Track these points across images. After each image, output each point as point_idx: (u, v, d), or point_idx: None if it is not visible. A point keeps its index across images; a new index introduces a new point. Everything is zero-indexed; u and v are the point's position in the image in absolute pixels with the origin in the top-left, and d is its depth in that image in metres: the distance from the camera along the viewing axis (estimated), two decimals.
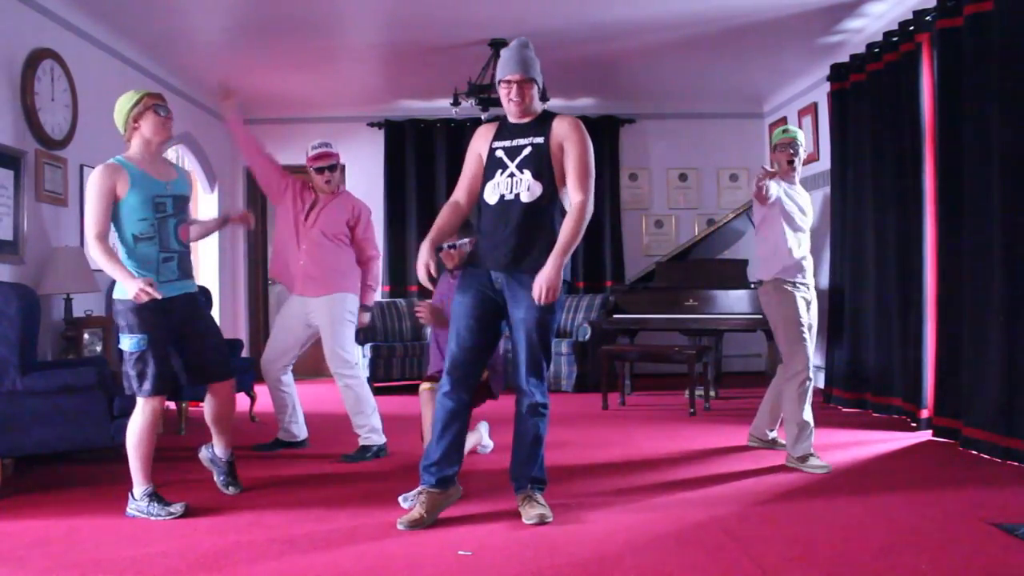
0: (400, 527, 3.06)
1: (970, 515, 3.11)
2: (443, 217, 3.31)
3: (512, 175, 3.16)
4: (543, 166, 3.15)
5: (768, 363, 6.28)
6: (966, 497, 3.39)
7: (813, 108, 7.01)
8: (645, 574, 2.56)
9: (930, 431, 4.78)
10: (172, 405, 5.18)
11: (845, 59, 6.03)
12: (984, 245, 4.23)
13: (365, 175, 8.12)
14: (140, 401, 3.31)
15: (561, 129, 3.18)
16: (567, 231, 3.11)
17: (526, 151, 3.17)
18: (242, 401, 5.72)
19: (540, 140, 3.17)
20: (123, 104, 3.38)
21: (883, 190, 5.42)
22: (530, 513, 3.11)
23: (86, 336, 4.91)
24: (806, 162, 7.20)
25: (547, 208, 3.16)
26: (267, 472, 4.08)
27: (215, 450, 3.69)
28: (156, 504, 3.28)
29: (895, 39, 5.26)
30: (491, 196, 3.20)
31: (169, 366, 3.37)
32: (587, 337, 6.99)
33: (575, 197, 3.14)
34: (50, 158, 4.93)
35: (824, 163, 6.71)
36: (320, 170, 4.47)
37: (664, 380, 7.47)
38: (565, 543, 2.86)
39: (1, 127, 4.51)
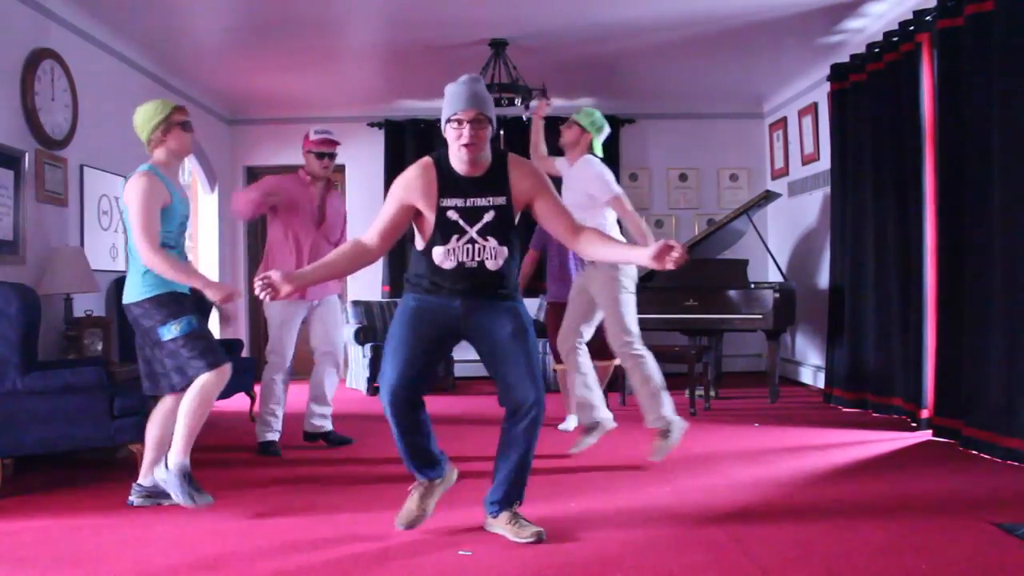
0: (399, 527, 3.03)
1: (970, 515, 3.11)
2: (331, 256, 2.91)
3: (472, 241, 2.80)
4: (509, 231, 2.85)
5: (768, 363, 6.28)
6: (966, 497, 3.39)
7: (813, 108, 7.01)
8: (645, 574, 2.57)
9: (930, 431, 4.77)
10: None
11: (845, 59, 6.03)
12: (984, 245, 4.23)
13: (365, 175, 8.13)
14: (207, 376, 3.24)
15: (523, 185, 2.84)
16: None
17: (488, 216, 2.80)
18: (242, 400, 5.72)
19: (502, 201, 2.81)
20: (149, 114, 3.37)
21: (883, 190, 5.42)
22: (528, 531, 2.89)
23: (86, 336, 4.90)
24: (806, 162, 7.21)
25: (511, 264, 2.90)
26: (267, 473, 4.09)
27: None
28: (189, 484, 3.20)
29: (895, 39, 5.26)
30: (445, 261, 2.82)
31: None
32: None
33: (583, 228, 2.88)
34: (50, 158, 4.93)
35: (824, 163, 6.70)
36: (321, 155, 4.62)
37: (664, 380, 7.44)
38: (565, 543, 2.86)
39: (1, 127, 4.51)
